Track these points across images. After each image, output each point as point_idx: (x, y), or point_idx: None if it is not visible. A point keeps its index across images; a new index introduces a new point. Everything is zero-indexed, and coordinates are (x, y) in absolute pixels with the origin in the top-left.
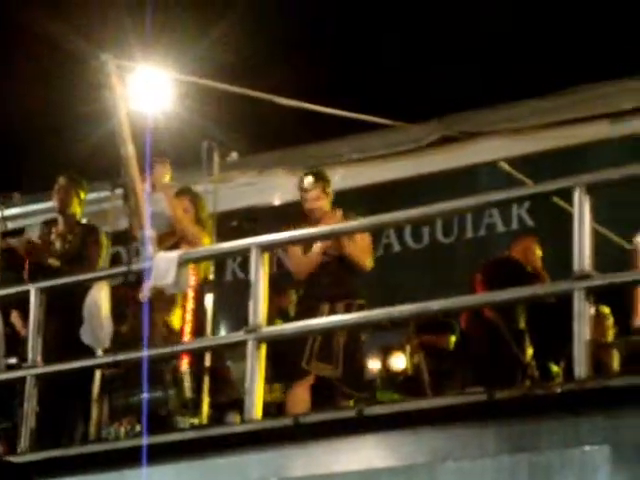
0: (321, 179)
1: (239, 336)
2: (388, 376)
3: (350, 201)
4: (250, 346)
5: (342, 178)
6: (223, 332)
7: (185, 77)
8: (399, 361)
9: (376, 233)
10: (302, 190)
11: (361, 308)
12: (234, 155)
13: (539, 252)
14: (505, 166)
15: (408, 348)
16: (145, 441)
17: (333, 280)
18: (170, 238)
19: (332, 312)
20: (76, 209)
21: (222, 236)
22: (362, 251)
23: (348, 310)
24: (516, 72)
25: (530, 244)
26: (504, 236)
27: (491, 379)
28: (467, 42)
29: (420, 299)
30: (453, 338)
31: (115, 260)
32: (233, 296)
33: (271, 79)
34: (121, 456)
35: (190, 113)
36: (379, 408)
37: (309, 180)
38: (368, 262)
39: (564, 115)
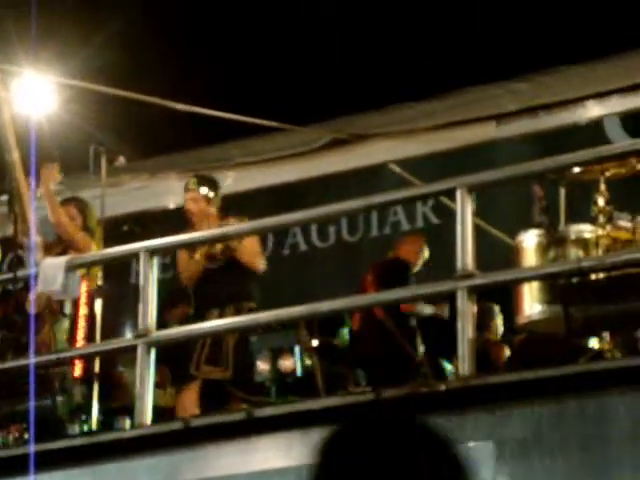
0: (204, 182)
1: (129, 341)
2: (278, 378)
3: (246, 204)
4: (140, 351)
5: (234, 181)
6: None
7: (70, 81)
8: (288, 363)
9: (281, 233)
10: (184, 191)
11: (251, 311)
12: (122, 160)
13: (425, 251)
14: (395, 168)
15: (298, 350)
16: (32, 448)
17: (222, 285)
18: (58, 245)
19: (222, 316)
20: None
21: (113, 241)
22: (251, 253)
23: (237, 313)
24: (404, 74)
25: (415, 243)
26: (409, 233)
27: (383, 379)
28: (355, 44)
29: (326, 298)
30: (347, 339)
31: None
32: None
33: (158, 82)
34: (10, 464)
35: (76, 118)
36: (269, 410)
37: (192, 181)
38: (259, 264)
39: (452, 117)
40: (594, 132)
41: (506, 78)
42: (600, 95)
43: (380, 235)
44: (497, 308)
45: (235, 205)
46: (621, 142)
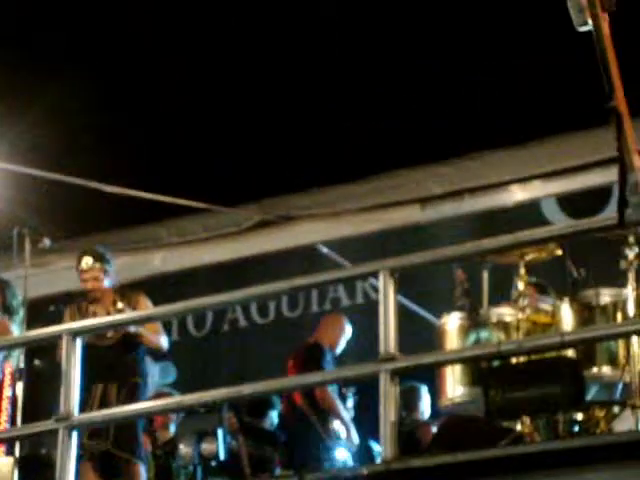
0: (100, 259)
1: (50, 424)
2: (201, 461)
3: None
4: (61, 434)
5: (162, 261)
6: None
7: None
8: (212, 446)
9: (221, 309)
10: (81, 271)
11: (134, 386)
12: (46, 241)
13: (347, 330)
14: (323, 248)
15: (221, 432)
16: None
17: (110, 362)
18: None
19: (104, 393)
20: None
21: (39, 321)
22: (155, 335)
23: (119, 390)
24: (330, 155)
25: (333, 324)
26: (349, 309)
27: (304, 463)
28: (281, 125)
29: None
30: (275, 420)
31: None
32: None
33: (85, 164)
34: None
35: (0, 200)
36: None
37: (87, 260)
38: (163, 342)
39: (377, 199)
40: (531, 210)
41: (431, 162)
42: (524, 179)
43: (320, 311)
44: (424, 389)
45: (173, 282)
46: (559, 222)
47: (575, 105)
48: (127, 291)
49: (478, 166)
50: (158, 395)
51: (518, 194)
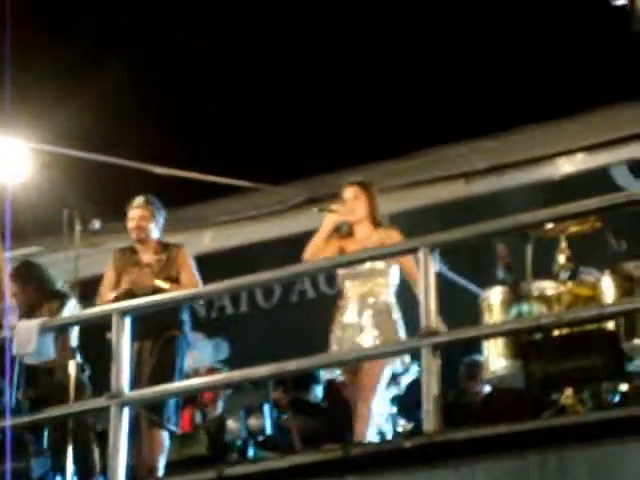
0: (151, 203)
1: (101, 402)
2: (249, 436)
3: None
4: (112, 411)
5: (211, 240)
6: None
7: (45, 146)
8: (259, 421)
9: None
10: (130, 208)
11: (171, 340)
12: (96, 223)
13: None
14: None
15: (267, 408)
16: None
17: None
18: None
19: (140, 351)
20: None
21: (89, 301)
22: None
23: (153, 345)
24: (374, 132)
25: None
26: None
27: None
28: (327, 104)
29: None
30: (320, 394)
31: None
32: None
33: (132, 147)
34: None
35: (51, 183)
36: (239, 468)
37: (139, 200)
38: None
39: (422, 175)
40: (602, 178)
41: (475, 137)
42: (569, 152)
43: None
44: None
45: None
46: (633, 188)
47: (615, 78)
48: (170, 244)
49: (522, 140)
50: (210, 371)
51: (565, 167)
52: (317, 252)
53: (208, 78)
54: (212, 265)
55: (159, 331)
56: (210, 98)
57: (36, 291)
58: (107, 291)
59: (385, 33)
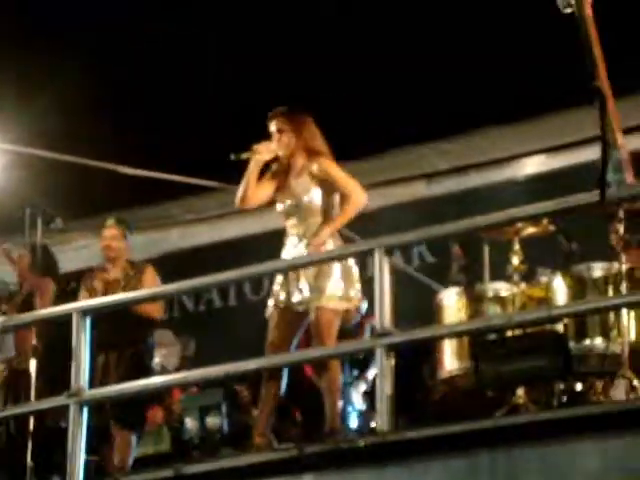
0: (122, 223)
1: (61, 400)
2: (206, 435)
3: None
4: (72, 410)
5: (179, 238)
6: None
7: (8, 146)
8: (216, 419)
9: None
10: (103, 228)
11: (134, 355)
12: (58, 221)
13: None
14: None
15: (224, 407)
16: None
17: (107, 329)
18: (18, 295)
19: (105, 363)
20: None
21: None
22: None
23: (119, 359)
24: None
25: None
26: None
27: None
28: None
29: None
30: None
31: None
32: None
33: (95, 146)
34: None
35: (14, 183)
36: (197, 467)
37: (110, 221)
38: (157, 312)
39: (384, 176)
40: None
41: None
42: (527, 154)
43: None
44: None
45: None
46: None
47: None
48: (138, 262)
49: (482, 142)
50: (177, 369)
51: (527, 167)
52: (249, 197)
53: (173, 75)
54: (179, 263)
55: (124, 345)
56: (174, 96)
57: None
58: None
59: (348, 33)
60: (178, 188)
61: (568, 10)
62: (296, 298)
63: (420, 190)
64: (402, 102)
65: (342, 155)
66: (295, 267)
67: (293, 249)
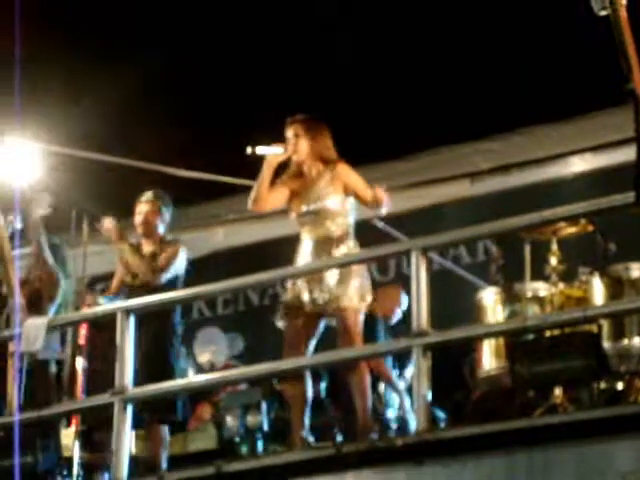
0: (159, 198)
1: (105, 398)
2: (246, 433)
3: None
4: (116, 408)
5: (224, 237)
6: None
7: (54, 148)
8: (256, 418)
9: None
10: (138, 202)
11: (160, 332)
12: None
13: (403, 302)
14: (379, 223)
15: (264, 405)
16: None
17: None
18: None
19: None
20: None
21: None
22: None
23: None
24: (380, 133)
25: (390, 296)
26: (471, 267)
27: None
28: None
29: None
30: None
31: None
32: None
33: (142, 148)
34: None
35: (60, 185)
36: (237, 464)
37: (148, 194)
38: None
39: (427, 175)
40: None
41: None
42: (571, 153)
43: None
44: None
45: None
46: None
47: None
48: (170, 240)
49: (525, 141)
50: (225, 367)
51: (574, 166)
52: (262, 200)
53: (217, 76)
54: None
55: (147, 322)
56: (218, 97)
57: None
58: (116, 284)
59: (386, 34)
60: (222, 188)
61: (603, 12)
62: (320, 298)
63: (463, 189)
64: (446, 101)
65: (386, 155)
66: (344, 265)
67: (308, 255)
